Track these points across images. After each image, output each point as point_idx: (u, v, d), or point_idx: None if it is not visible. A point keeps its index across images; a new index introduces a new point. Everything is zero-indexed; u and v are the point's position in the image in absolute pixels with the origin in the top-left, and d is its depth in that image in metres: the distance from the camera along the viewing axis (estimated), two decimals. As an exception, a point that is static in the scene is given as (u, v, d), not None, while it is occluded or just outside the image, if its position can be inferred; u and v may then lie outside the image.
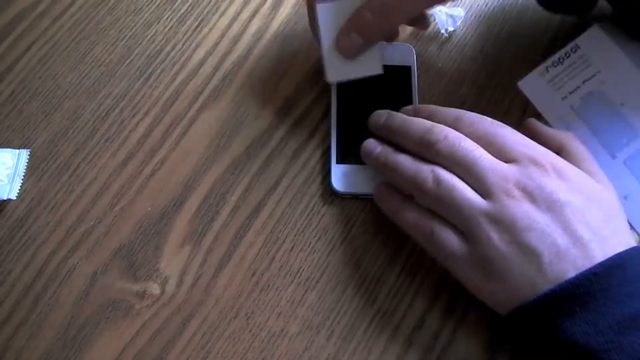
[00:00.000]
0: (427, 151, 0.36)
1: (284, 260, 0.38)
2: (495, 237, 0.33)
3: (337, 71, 0.40)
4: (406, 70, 0.43)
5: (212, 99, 0.43)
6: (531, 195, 0.33)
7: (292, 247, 0.39)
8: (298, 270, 0.38)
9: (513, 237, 0.32)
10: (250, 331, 0.37)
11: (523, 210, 0.33)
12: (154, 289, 0.37)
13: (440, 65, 0.44)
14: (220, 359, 0.36)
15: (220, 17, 0.46)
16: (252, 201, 0.40)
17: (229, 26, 0.45)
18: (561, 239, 0.32)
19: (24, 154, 0.41)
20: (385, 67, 0.40)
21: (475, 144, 0.35)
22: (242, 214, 0.40)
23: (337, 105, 0.41)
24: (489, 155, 0.35)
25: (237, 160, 0.41)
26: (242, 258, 0.38)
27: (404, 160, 0.36)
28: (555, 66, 0.43)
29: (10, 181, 0.39)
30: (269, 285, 0.38)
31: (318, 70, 0.44)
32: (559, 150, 0.36)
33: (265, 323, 0.37)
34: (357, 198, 0.40)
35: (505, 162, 0.35)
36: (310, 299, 0.37)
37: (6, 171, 0.40)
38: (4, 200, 0.39)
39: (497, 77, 0.44)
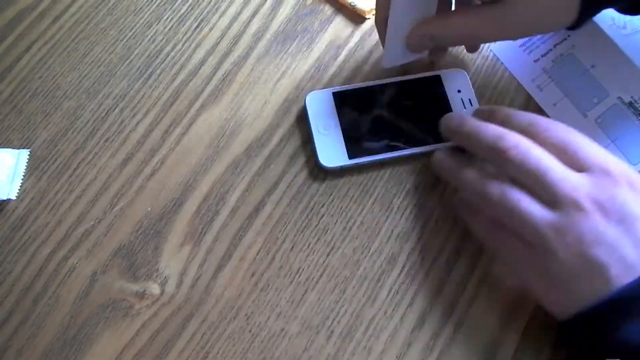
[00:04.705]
0: (497, 158, 0.35)
1: (283, 261, 0.38)
2: (561, 249, 0.32)
3: (393, 59, 0.41)
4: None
5: (212, 99, 0.43)
6: (602, 207, 0.32)
7: (292, 247, 0.39)
8: (298, 271, 0.38)
9: (580, 250, 0.32)
10: (250, 331, 0.37)
11: (591, 223, 0.32)
12: (154, 288, 0.37)
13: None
14: (220, 358, 0.36)
15: (220, 17, 0.46)
16: (252, 201, 0.40)
17: (229, 26, 0.45)
18: (630, 254, 0.32)
19: (24, 154, 0.41)
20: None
21: (545, 153, 0.34)
22: (242, 214, 0.40)
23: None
24: (560, 165, 0.34)
25: (237, 160, 0.41)
26: (242, 258, 0.38)
27: (471, 179, 0.36)
28: None
29: (10, 181, 0.39)
30: (268, 285, 0.38)
31: (318, 69, 0.44)
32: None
33: (265, 323, 0.37)
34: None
35: (577, 170, 0.34)
36: (309, 299, 0.37)
37: (6, 171, 0.40)
38: (4, 200, 0.39)
39: (497, 77, 0.44)
